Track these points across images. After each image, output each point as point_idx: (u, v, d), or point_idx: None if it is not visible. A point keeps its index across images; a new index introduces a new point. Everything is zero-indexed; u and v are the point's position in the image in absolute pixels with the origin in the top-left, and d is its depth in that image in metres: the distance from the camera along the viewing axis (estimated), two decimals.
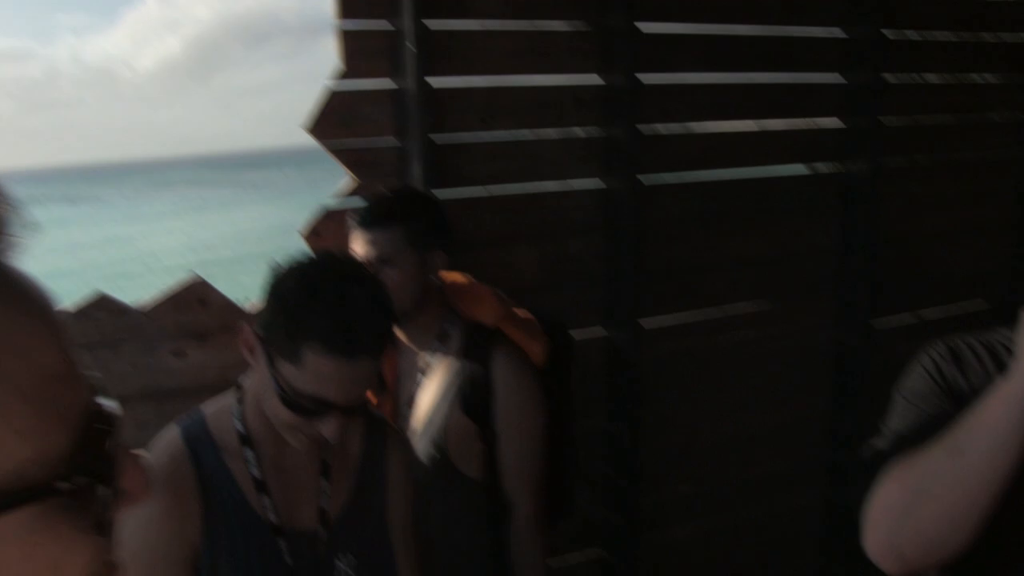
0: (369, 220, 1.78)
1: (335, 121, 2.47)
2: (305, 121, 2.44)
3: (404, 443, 1.55)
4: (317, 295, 1.20)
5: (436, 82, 2.53)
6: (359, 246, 1.80)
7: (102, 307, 2.33)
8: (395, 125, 2.53)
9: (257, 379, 1.30)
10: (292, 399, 1.23)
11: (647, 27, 2.78)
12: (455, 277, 1.98)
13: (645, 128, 2.87)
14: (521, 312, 1.96)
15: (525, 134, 2.72)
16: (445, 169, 2.59)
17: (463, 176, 2.65)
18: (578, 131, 2.80)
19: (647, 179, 2.93)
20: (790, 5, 3.07)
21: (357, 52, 2.43)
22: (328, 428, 1.24)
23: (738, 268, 3.18)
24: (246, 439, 1.34)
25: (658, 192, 3.00)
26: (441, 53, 2.53)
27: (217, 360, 2.45)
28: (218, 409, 1.38)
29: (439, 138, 2.58)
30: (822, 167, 3.31)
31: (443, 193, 2.57)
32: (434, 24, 2.50)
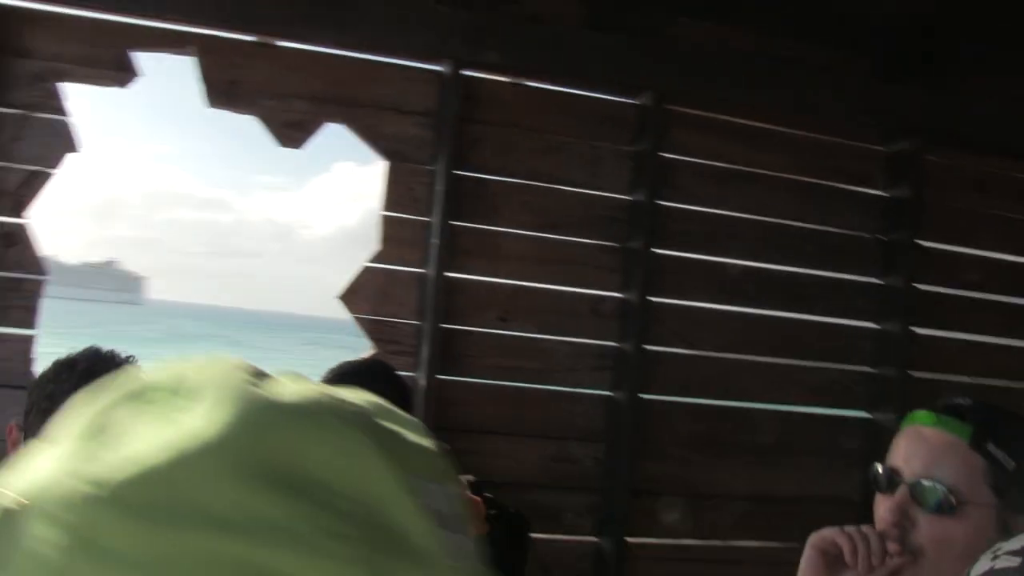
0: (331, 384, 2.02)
1: (365, 295, 2.83)
2: (340, 291, 2.82)
3: None
4: (71, 369, 1.20)
5: (458, 276, 2.85)
6: None
7: None
8: (418, 308, 2.84)
9: None
10: None
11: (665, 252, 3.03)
12: None
13: (655, 347, 3.02)
14: (466, 495, 2.09)
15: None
16: (456, 356, 2.85)
17: (475, 366, 2.88)
18: (592, 341, 3.00)
19: (657, 396, 3.03)
20: (825, 247, 3.22)
21: (392, 238, 2.83)
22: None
23: (746, 501, 3.12)
24: None
25: (670, 409, 3.08)
26: (466, 250, 2.87)
27: None
28: None
29: (455, 326, 2.85)
30: (850, 411, 3.28)
31: (451, 379, 2.82)
32: (461, 223, 2.86)
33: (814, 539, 1.20)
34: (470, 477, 2.29)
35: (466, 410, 2.89)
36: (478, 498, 2.13)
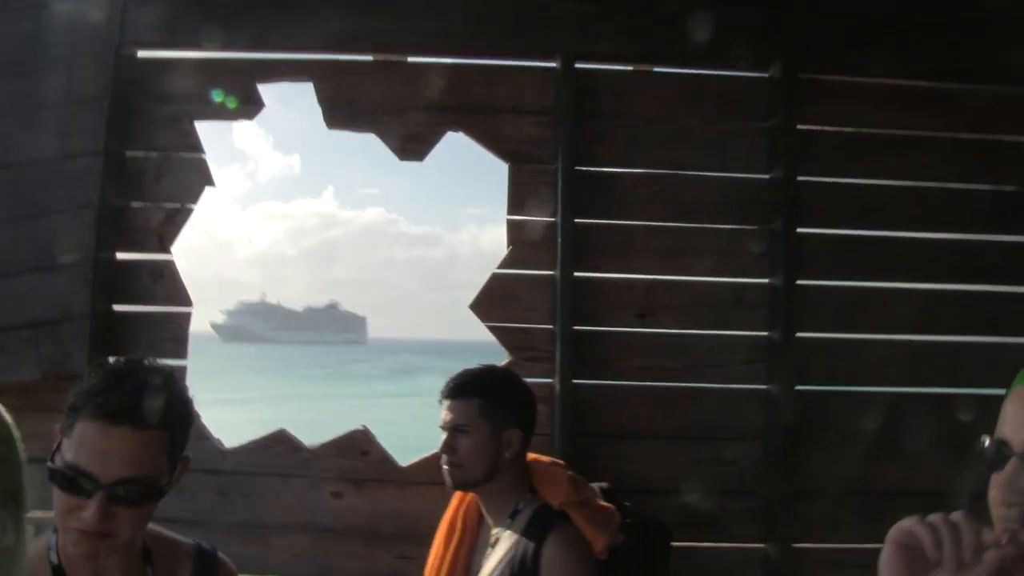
0: (450, 390, 1.93)
1: (496, 302, 2.77)
2: (472, 301, 2.78)
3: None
4: (99, 370, 1.24)
5: (589, 275, 2.75)
6: (443, 414, 1.94)
7: (281, 441, 2.75)
8: (551, 311, 2.75)
9: None
10: (56, 471, 1.19)
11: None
12: (539, 458, 2.06)
13: (809, 334, 2.79)
14: (599, 502, 1.97)
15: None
16: (592, 358, 2.74)
17: (613, 368, 2.76)
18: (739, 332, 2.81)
19: (815, 387, 2.80)
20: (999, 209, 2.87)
21: (520, 241, 2.76)
22: (88, 510, 1.17)
23: (927, 499, 2.81)
24: (58, 570, 1.27)
25: (829, 401, 2.84)
26: (596, 248, 2.76)
27: (368, 507, 2.71)
28: (38, 544, 1.30)
29: (589, 328, 2.75)
30: None
31: (588, 383, 2.72)
32: (588, 220, 2.76)
33: (893, 532, 0.96)
34: (603, 484, 2.21)
35: (606, 414, 2.77)
36: (611, 506, 2.02)
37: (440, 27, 2.73)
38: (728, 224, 2.79)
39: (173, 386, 1.28)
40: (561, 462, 2.10)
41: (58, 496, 1.20)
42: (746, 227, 2.81)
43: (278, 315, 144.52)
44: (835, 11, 2.81)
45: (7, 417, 0.57)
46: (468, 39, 2.76)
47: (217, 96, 2.63)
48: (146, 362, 1.31)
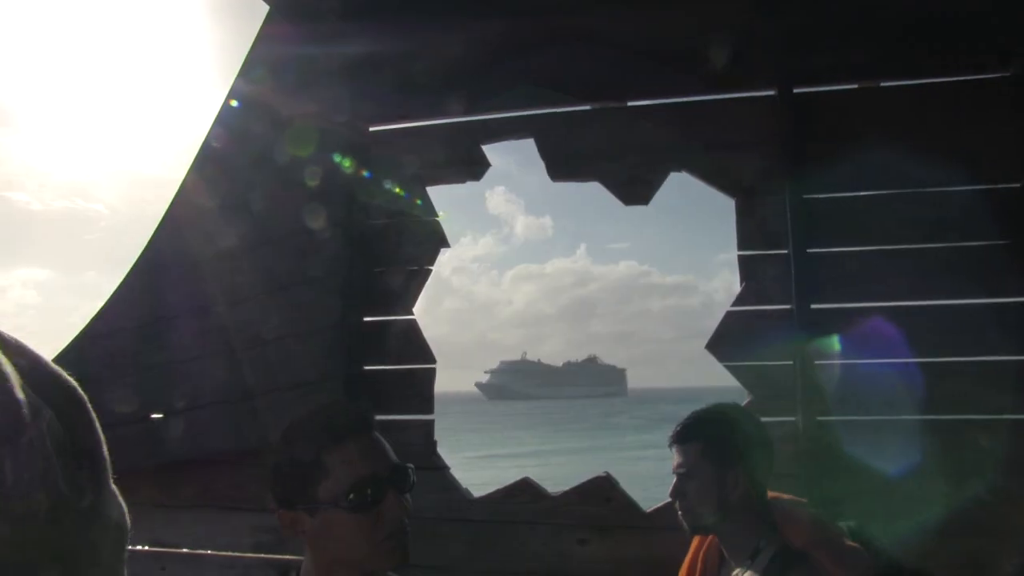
0: (675, 435, 1.92)
1: (733, 341, 2.72)
2: (708, 341, 2.75)
3: None
4: (304, 421, 1.31)
5: (828, 306, 2.65)
6: (673, 459, 1.93)
7: (525, 490, 2.81)
8: (790, 347, 2.66)
9: (313, 550, 1.29)
10: (355, 499, 1.22)
11: None
12: (781, 496, 2.00)
13: None
14: (845, 542, 1.87)
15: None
16: (835, 395, 2.62)
17: (860, 402, 2.63)
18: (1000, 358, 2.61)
19: None
20: None
21: (753, 276, 2.71)
22: (389, 505, 1.24)
23: None
24: None
25: None
26: (834, 277, 2.66)
27: (614, 553, 2.71)
28: None
29: (834, 362, 2.64)
30: None
31: (833, 419, 2.60)
32: (822, 249, 2.67)
33: None
34: (851, 523, 2.06)
35: (853, 452, 2.63)
36: (858, 546, 1.88)
37: (653, 66, 2.75)
38: (984, 240, 2.61)
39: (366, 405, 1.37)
40: (803, 500, 2.04)
41: (357, 533, 1.24)
42: (1004, 242, 2.61)
43: (539, 372, 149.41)
44: None
45: (72, 381, 0.58)
46: (683, 76, 2.76)
47: (337, 158, 2.77)
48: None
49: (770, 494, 1.95)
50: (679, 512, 1.91)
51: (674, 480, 1.90)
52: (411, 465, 1.31)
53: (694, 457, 1.86)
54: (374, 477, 1.24)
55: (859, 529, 2.07)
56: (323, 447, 1.25)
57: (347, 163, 2.84)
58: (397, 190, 2.88)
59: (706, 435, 1.89)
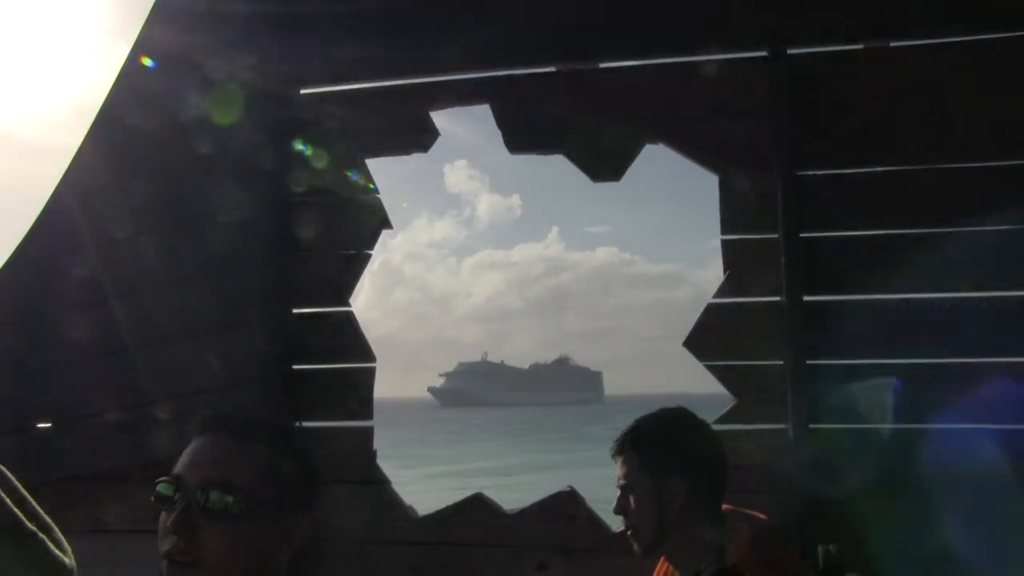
0: (614, 447, 1.84)
1: (714, 337, 2.40)
2: (687, 337, 2.43)
3: None
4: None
5: (825, 298, 2.35)
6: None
7: (478, 507, 2.49)
8: (778, 345, 2.35)
9: None
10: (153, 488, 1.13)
11: None
12: (736, 511, 1.85)
13: None
14: (793, 566, 1.76)
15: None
16: (832, 399, 2.32)
17: (861, 412, 2.33)
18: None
19: None
20: None
21: (737, 264, 2.41)
22: (161, 523, 1.10)
23: None
24: None
25: None
26: (832, 267, 2.36)
27: None
28: None
29: (829, 361, 2.35)
30: None
31: (829, 427, 2.31)
32: (819, 234, 2.37)
33: None
34: (831, 547, 2.01)
35: (851, 465, 2.32)
36: (808, 571, 1.84)
37: (628, 23, 2.39)
38: (1007, 224, 2.28)
39: (272, 416, 1.33)
40: (759, 515, 1.82)
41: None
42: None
43: (502, 375, 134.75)
44: None
45: None
46: (661, 34, 2.41)
47: (261, 126, 2.46)
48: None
49: (726, 508, 1.84)
50: (628, 533, 1.82)
51: (618, 495, 1.83)
52: (208, 489, 1.10)
53: (633, 469, 1.80)
54: (163, 478, 1.13)
55: (836, 554, 2.01)
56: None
57: (273, 131, 2.47)
58: (331, 162, 2.50)
59: (644, 444, 1.81)
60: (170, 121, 2.51)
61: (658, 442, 1.81)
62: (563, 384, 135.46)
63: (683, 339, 2.44)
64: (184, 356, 2.49)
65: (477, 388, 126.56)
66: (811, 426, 2.32)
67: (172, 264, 2.52)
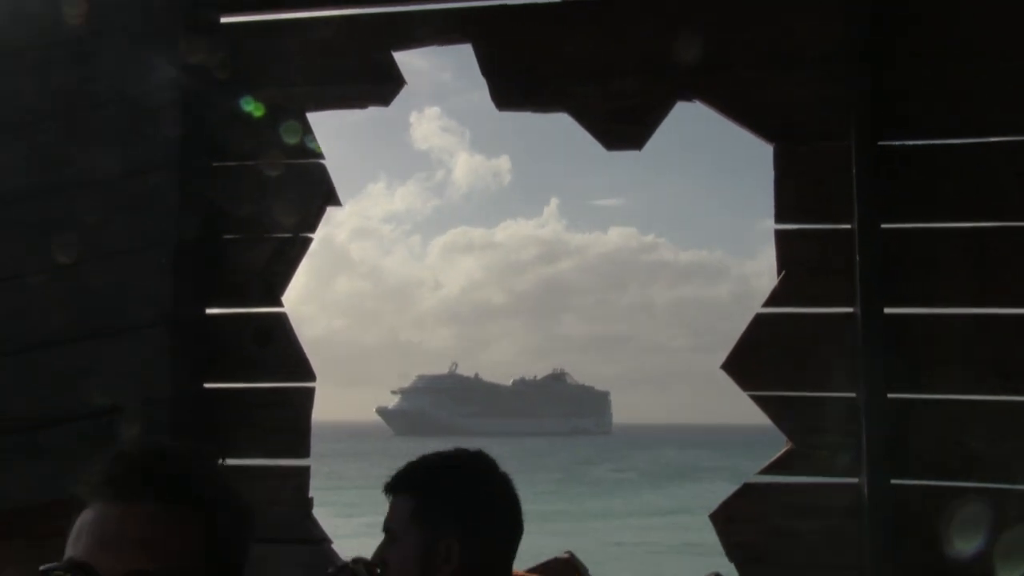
0: (387, 484, 1.62)
1: (763, 358, 1.94)
2: (727, 358, 1.92)
3: None
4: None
5: (910, 311, 1.98)
6: None
7: None
8: (850, 370, 1.88)
9: None
10: None
11: None
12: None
13: None
14: None
15: None
16: (918, 445, 1.91)
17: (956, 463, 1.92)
18: None
19: None
20: None
21: (797, 262, 1.99)
22: None
23: None
24: None
25: None
26: (923, 268, 1.97)
27: None
28: None
29: (912, 396, 1.94)
30: None
31: (915, 484, 1.92)
32: (902, 225, 1.94)
33: None
34: None
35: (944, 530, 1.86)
36: None
37: None
38: None
39: (203, 459, 1.03)
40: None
41: None
42: None
43: (475, 393, 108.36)
44: None
45: None
46: None
47: (171, 64, 1.96)
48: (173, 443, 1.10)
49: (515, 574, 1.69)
50: None
51: (382, 539, 1.61)
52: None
53: (403, 515, 1.59)
54: (71, 567, 0.89)
55: None
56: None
57: (183, 73, 1.92)
58: (261, 117, 1.95)
59: (421, 488, 1.60)
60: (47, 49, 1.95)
61: (437, 488, 1.60)
62: (557, 408, 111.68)
63: (719, 353, 2.04)
64: (62, 370, 1.99)
65: (442, 411, 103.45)
66: (894, 481, 1.91)
67: (49, 247, 1.98)
